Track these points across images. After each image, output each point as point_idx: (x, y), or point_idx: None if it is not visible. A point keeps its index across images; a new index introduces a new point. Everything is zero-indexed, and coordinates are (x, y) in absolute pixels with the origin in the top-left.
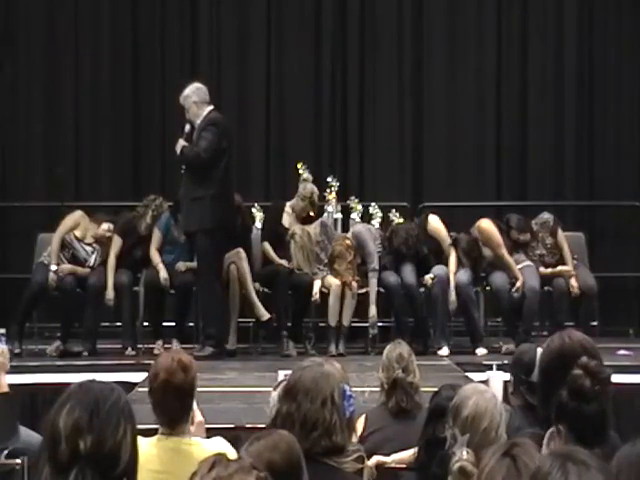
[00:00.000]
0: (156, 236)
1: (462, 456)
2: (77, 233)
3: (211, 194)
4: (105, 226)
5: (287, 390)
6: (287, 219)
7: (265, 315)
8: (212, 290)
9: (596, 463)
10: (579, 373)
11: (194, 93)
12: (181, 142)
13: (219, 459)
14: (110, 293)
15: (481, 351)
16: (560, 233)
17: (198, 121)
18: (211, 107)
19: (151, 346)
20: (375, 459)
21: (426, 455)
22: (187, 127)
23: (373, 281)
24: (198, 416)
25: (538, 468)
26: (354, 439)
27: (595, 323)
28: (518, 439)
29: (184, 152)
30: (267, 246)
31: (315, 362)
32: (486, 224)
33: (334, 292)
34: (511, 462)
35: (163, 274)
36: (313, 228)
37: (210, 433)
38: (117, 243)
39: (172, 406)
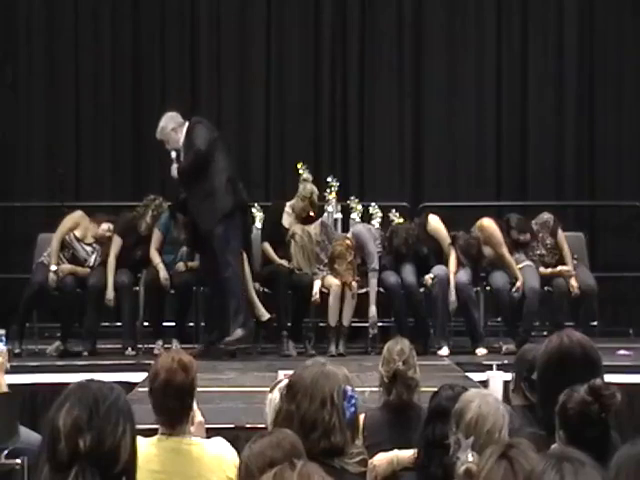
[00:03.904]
0: (156, 236)
1: (467, 459)
2: (77, 233)
3: (217, 185)
4: (105, 226)
5: (288, 389)
6: (287, 219)
7: (265, 315)
8: (239, 277)
9: (591, 461)
10: (589, 399)
11: (170, 121)
12: (174, 166)
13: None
14: (110, 293)
15: (481, 351)
16: (560, 233)
17: (182, 140)
18: (187, 122)
19: (151, 346)
20: (380, 456)
21: (426, 456)
22: (173, 154)
23: (373, 281)
24: (198, 416)
25: (534, 468)
26: (358, 442)
27: (595, 323)
28: (515, 440)
29: (181, 167)
30: (267, 246)
31: (317, 362)
32: (488, 222)
33: (334, 292)
34: (508, 464)
35: (163, 274)
36: (313, 228)
37: (210, 433)
38: (117, 243)
39: (172, 406)
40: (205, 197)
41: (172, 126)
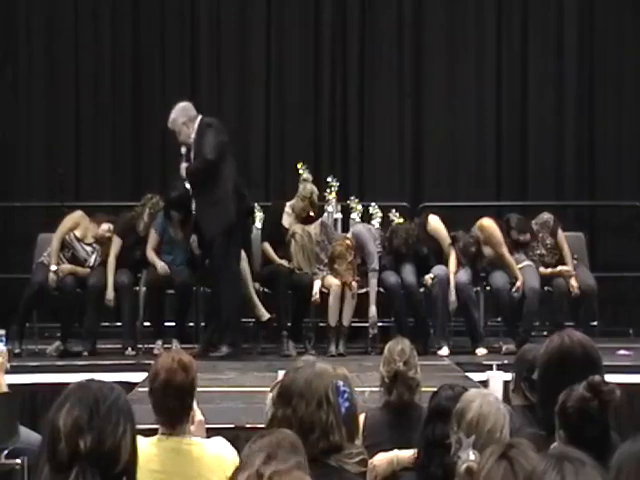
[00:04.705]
0: (152, 236)
1: (469, 457)
2: (77, 233)
3: (223, 195)
4: (105, 226)
5: (281, 393)
6: (287, 219)
7: (265, 315)
8: (236, 291)
9: (591, 461)
10: (588, 396)
11: (181, 114)
12: (183, 165)
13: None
14: (110, 293)
15: (481, 351)
16: (560, 233)
17: (193, 136)
18: (199, 117)
19: (151, 346)
20: (379, 456)
21: (426, 456)
22: (183, 149)
23: (373, 281)
24: (198, 416)
25: (534, 468)
26: (357, 442)
27: (595, 323)
28: (515, 440)
29: (189, 169)
30: (267, 246)
31: (307, 362)
32: (488, 222)
33: (334, 292)
34: (508, 464)
35: (161, 265)
36: (313, 228)
37: (210, 433)
38: (117, 243)
39: (172, 406)
40: (210, 205)
41: (183, 120)
